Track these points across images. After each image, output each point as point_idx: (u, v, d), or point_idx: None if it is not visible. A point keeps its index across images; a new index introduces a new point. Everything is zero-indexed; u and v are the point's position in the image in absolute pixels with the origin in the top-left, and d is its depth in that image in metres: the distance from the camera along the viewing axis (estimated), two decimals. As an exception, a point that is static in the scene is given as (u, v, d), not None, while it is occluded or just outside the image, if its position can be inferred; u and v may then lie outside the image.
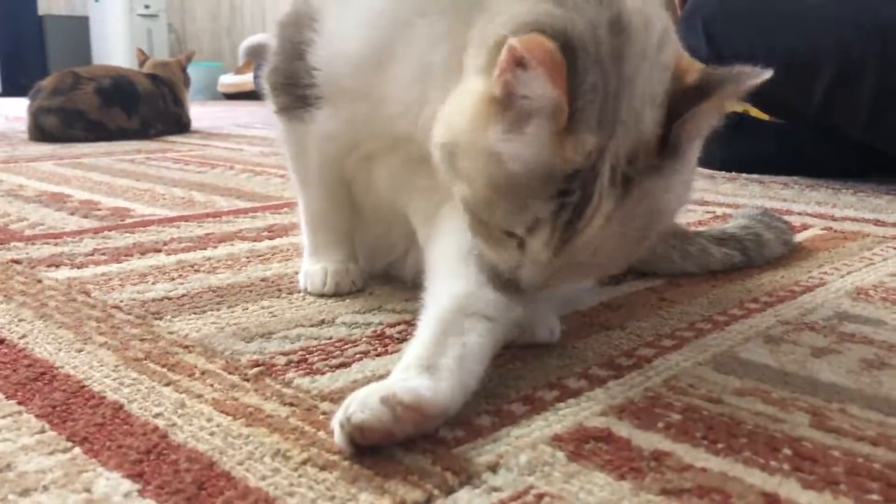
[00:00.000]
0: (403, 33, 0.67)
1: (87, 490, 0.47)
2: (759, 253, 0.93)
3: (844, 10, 1.49)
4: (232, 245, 1.08)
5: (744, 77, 0.54)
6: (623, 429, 0.54)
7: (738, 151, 1.77)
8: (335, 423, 0.50)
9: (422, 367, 0.54)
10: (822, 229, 1.16)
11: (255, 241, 1.11)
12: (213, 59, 5.88)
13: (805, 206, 1.36)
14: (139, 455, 0.51)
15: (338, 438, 0.50)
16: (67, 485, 0.47)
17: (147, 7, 5.61)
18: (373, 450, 0.50)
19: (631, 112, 0.53)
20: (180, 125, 2.84)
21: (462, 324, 0.58)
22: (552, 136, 0.53)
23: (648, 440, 0.52)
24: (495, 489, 0.46)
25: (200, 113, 3.31)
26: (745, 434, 0.53)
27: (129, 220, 1.25)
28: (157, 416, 0.56)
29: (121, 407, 0.57)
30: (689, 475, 0.48)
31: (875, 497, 0.45)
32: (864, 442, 0.52)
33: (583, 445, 0.51)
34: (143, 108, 2.65)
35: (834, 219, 1.24)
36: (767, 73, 0.54)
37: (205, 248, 1.06)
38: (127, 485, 0.47)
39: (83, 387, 0.61)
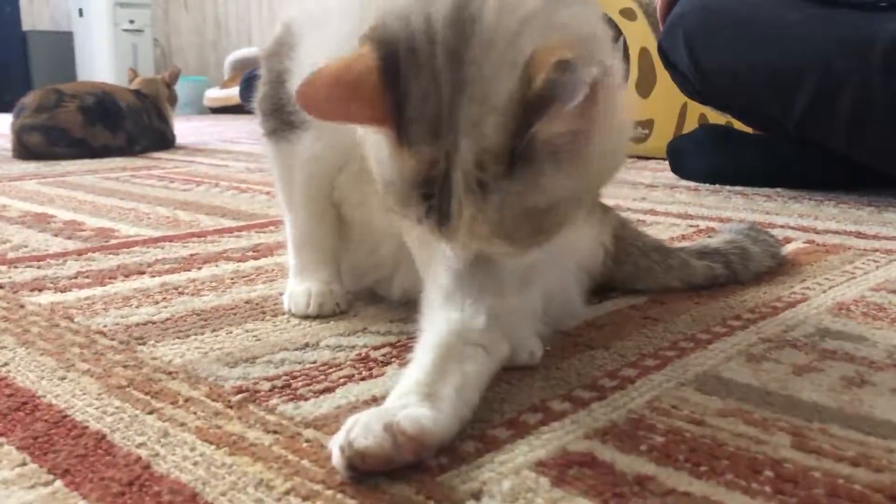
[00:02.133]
0: None
1: (69, 525, 0.46)
2: (744, 267, 0.94)
3: (826, 25, 1.50)
4: (216, 266, 1.08)
5: (568, 96, 0.49)
6: (607, 452, 0.54)
7: (721, 163, 1.79)
8: (334, 446, 0.51)
9: (423, 395, 0.54)
10: (804, 242, 1.17)
11: (239, 261, 1.10)
12: (198, 73, 5.87)
13: (788, 218, 1.37)
14: (122, 487, 0.50)
15: (336, 462, 0.50)
16: (49, 520, 0.47)
17: (132, 22, 5.61)
18: (363, 477, 0.50)
19: (468, 120, 0.52)
20: (165, 141, 2.84)
21: (462, 351, 0.59)
22: (394, 149, 0.55)
23: (631, 464, 0.52)
24: (479, 517, 0.47)
25: (186, 128, 3.30)
26: (727, 456, 0.53)
27: (113, 241, 1.25)
28: (140, 445, 0.56)
29: (103, 437, 0.57)
30: (671, 500, 0.48)
31: (855, 519, 0.46)
32: (844, 463, 0.52)
33: (566, 471, 0.52)
34: (128, 124, 2.65)
35: (816, 231, 1.25)
36: (579, 96, 0.48)
37: (189, 270, 1.05)
38: (109, 519, 0.47)
39: (66, 416, 0.60)
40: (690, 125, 2.16)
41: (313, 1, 0.76)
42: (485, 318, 0.62)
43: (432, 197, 0.55)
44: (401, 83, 0.53)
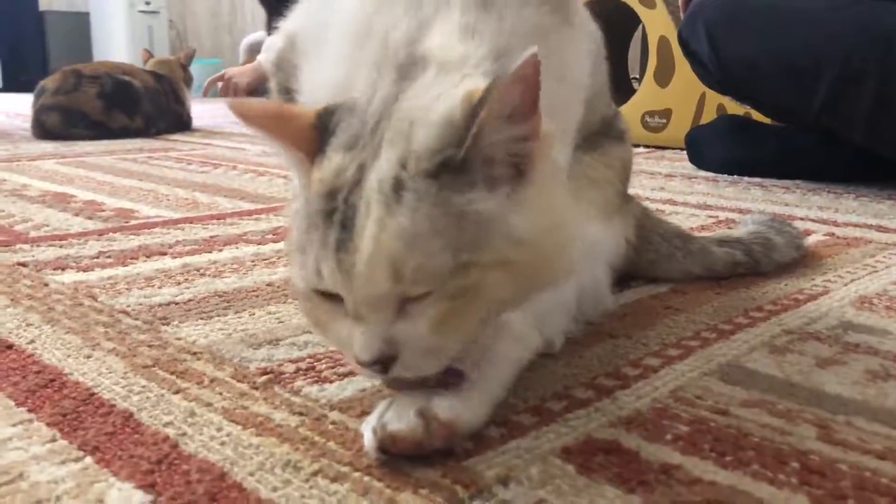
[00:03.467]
0: None
1: (100, 501, 0.47)
2: (767, 256, 0.93)
3: (847, 16, 1.49)
4: (237, 248, 1.08)
5: (487, 98, 0.47)
6: (631, 441, 0.54)
7: (740, 154, 1.78)
8: (366, 428, 0.51)
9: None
10: (824, 235, 1.16)
11: (259, 244, 1.11)
12: (213, 55, 5.87)
13: (807, 210, 1.36)
14: (151, 465, 0.51)
15: (368, 443, 0.51)
16: (80, 495, 0.47)
17: (148, 3, 5.61)
18: (392, 460, 0.50)
19: (395, 132, 0.50)
20: (181, 123, 2.84)
21: (494, 340, 0.59)
22: (305, 171, 0.52)
23: (657, 453, 0.52)
24: (505, 502, 0.47)
25: (201, 111, 3.31)
26: (753, 447, 0.53)
27: (133, 222, 1.25)
28: (167, 424, 0.56)
29: (131, 415, 0.58)
30: (698, 489, 0.48)
31: (883, 512, 0.46)
32: (870, 456, 0.52)
33: (592, 458, 0.52)
34: (145, 106, 2.65)
35: (836, 224, 1.24)
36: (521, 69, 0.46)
37: (210, 252, 1.06)
38: (139, 495, 0.47)
39: (93, 394, 0.61)
40: (709, 115, 2.14)
41: (313, 18, 0.74)
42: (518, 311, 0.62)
43: (335, 211, 0.49)
44: (332, 122, 0.52)
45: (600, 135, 0.83)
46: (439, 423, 0.50)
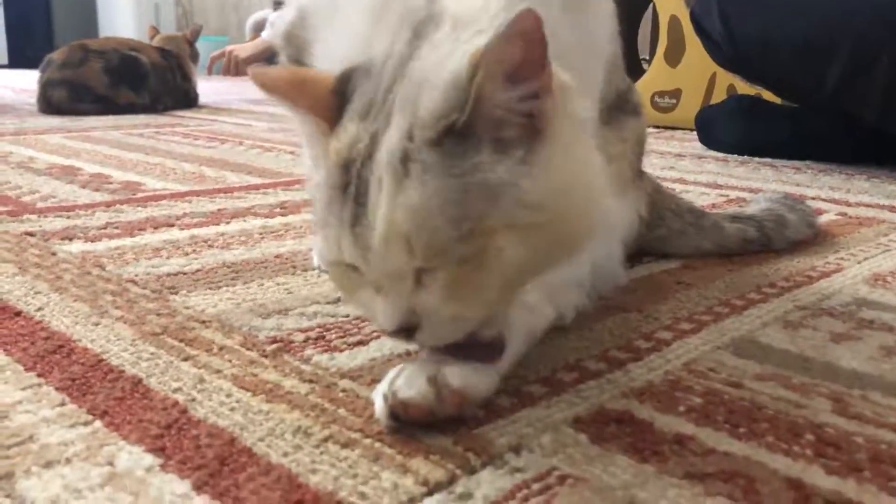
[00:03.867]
0: None
1: (110, 463, 0.47)
2: (779, 233, 0.93)
3: (862, -6, 1.47)
4: (245, 221, 1.07)
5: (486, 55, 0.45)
6: (644, 411, 0.53)
7: (750, 134, 1.76)
8: (377, 395, 0.51)
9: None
10: (836, 215, 1.15)
11: (267, 217, 1.10)
12: (219, 33, 5.84)
13: (819, 190, 1.35)
14: (160, 430, 0.50)
15: (379, 410, 0.50)
16: (90, 458, 0.47)
17: (154, -20, 5.58)
18: (402, 427, 0.50)
19: (404, 98, 0.49)
20: (188, 100, 2.83)
21: (507, 310, 0.58)
22: (323, 142, 0.51)
23: (670, 423, 0.52)
24: (518, 470, 0.46)
25: (207, 88, 3.29)
26: (767, 419, 0.53)
27: (140, 195, 1.25)
28: (176, 390, 0.56)
29: (140, 381, 0.57)
30: (712, 459, 0.48)
31: (899, 484, 0.45)
32: (886, 429, 0.52)
33: (604, 428, 0.51)
34: (152, 82, 2.64)
35: (848, 204, 1.23)
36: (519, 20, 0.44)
37: (218, 224, 1.05)
38: (149, 459, 0.47)
39: (101, 360, 0.61)
40: (719, 96, 2.13)
41: None
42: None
43: (349, 185, 0.49)
44: (349, 87, 0.52)
45: (615, 108, 0.82)
46: (450, 391, 0.50)
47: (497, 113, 0.48)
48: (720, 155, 1.76)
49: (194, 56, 2.93)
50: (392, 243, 0.47)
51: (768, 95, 1.86)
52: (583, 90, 0.54)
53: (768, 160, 1.68)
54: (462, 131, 0.47)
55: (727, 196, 1.29)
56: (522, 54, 0.46)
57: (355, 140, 0.49)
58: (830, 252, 0.94)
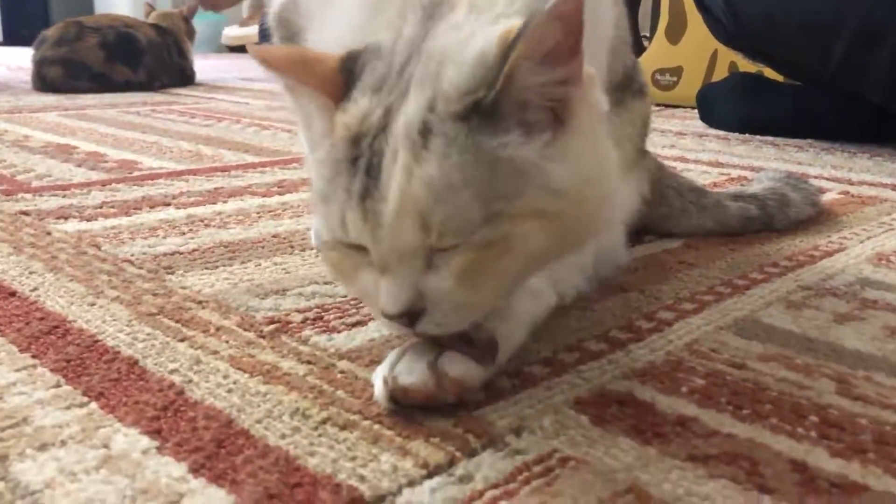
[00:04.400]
0: None
1: (106, 446, 0.46)
2: (782, 212, 0.92)
3: (868, -30, 1.45)
4: (242, 200, 1.06)
5: (526, 31, 0.44)
6: (646, 393, 0.53)
7: (752, 112, 1.74)
8: (377, 378, 0.50)
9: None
10: (839, 193, 1.14)
11: (265, 196, 1.09)
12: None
13: (821, 169, 1.34)
14: (156, 411, 0.50)
15: (378, 392, 0.50)
16: (85, 440, 0.46)
17: (150, -44, 5.51)
18: (401, 409, 0.49)
19: (423, 73, 0.47)
20: (184, 77, 2.81)
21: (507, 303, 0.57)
22: (329, 117, 0.49)
23: (672, 405, 0.51)
24: (518, 452, 0.46)
25: (204, 66, 3.26)
26: (771, 400, 0.52)
27: (136, 173, 1.24)
28: (172, 372, 0.55)
29: (136, 362, 0.57)
30: (715, 441, 0.47)
31: (904, 466, 0.45)
32: (891, 410, 0.51)
33: (606, 409, 0.51)
34: (148, 60, 2.62)
35: (851, 183, 1.22)
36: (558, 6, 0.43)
37: (214, 203, 1.04)
38: (145, 441, 0.46)
39: (97, 341, 0.60)
40: (720, 73, 2.11)
41: None
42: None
43: (359, 157, 0.47)
44: (357, 66, 0.50)
45: (622, 89, 0.81)
46: (450, 379, 0.49)
47: (526, 95, 0.46)
48: (721, 133, 1.75)
49: (190, 33, 2.90)
50: (405, 218, 0.45)
51: (770, 73, 1.84)
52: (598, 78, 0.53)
53: (770, 138, 1.67)
54: (489, 109, 0.45)
55: (728, 174, 1.28)
56: (560, 38, 0.45)
57: (367, 113, 0.47)
58: (833, 231, 0.93)
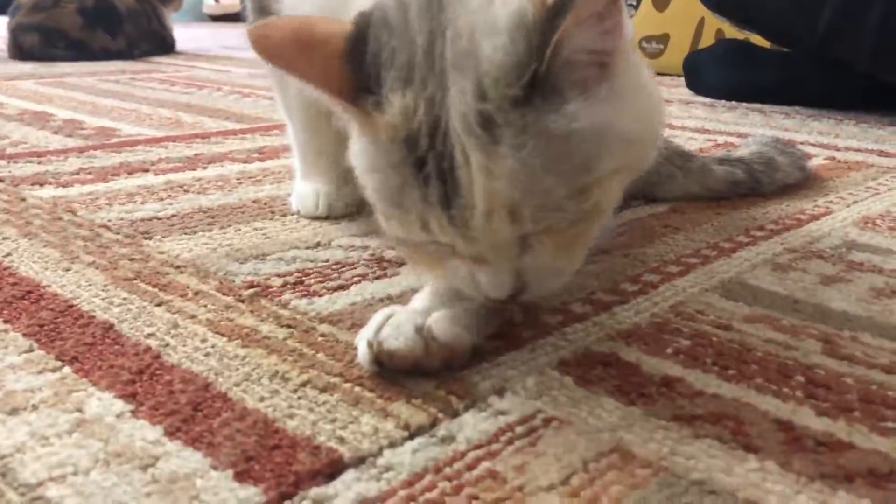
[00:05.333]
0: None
1: (79, 410, 0.45)
2: (769, 176, 0.91)
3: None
4: (222, 166, 1.05)
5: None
6: (631, 354, 0.52)
7: (739, 79, 1.73)
8: (361, 341, 0.49)
9: (455, 299, 0.52)
10: (825, 159, 1.13)
11: (245, 162, 1.07)
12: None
13: (807, 135, 1.33)
14: (131, 375, 0.49)
15: (362, 356, 0.49)
16: (58, 404, 0.45)
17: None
18: (384, 372, 0.48)
19: (457, 52, 0.44)
20: (165, 45, 2.76)
21: None
22: (364, 123, 0.47)
23: (657, 366, 0.51)
24: (502, 413, 0.45)
25: (185, 35, 3.20)
26: (756, 361, 0.51)
27: (114, 140, 1.21)
28: (149, 336, 0.54)
29: (111, 327, 0.55)
30: (700, 401, 0.46)
31: (891, 424, 0.44)
32: (877, 370, 0.51)
33: (590, 370, 0.50)
34: (127, 27, 2.57)
35: (837, 149, 1.22)
36: None
37: (194, 169, 1.02)
38: (119, 405, 0.45)
39: (71, 306, 0.59)
40: (707, 41, 2.09)
41: None
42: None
43: (425, 164, 0.44)
44: (368, 48, 0.46)
45: None
46: (439, 344, 0.48)
47: (576, 55, 0.44)
48: (708, 100, 1.74)
49: (170, 1, 2.85)
50: (496, 217, 0.44)
51: (757, 40, 1.82)
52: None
53: (757, 105, 1.66)
54: (544, 81, 0.43)
55: (715, 140, 1.27)
56: None
57: (408, 110, 0.45)
58: (819, 195, 0.93)
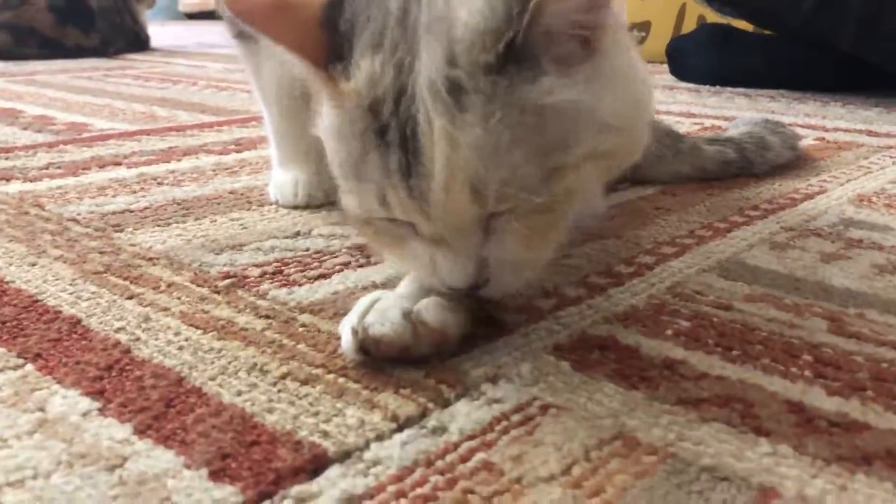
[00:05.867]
0: None
1: (41, 409, 0.42)
2: (760, 156, 0.88)
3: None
4: (197, 158, 1.01)
5: None
6: (630, 337, 0.50)
7: (723, 63, 1.72)
8: (344, 328, 0.46)
9: None
10: (815, 140, 1.12)
11: (221, 154, 1.04)
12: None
13: (794, 118, 1.31)
14: (99, 371, 0.46)
15: (347, 344, 0.46)
16: (18, 403, 0.42)
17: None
18: (370, 361, 0.45)
19: (431, 16, 0.42)
20: (139, 42, 2.71)
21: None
22: (331, 90, 0.44)
23: (658, 348, 0.48)
24: (496, 401, 0.42)
25: (161, 32, 3.16)
26: (761, 341, 0.49)
27: (86, 135, 1.17)
28: (118, 330, 0.51)
29: (78, 321, 0.52)
30: (705, 384, 0.44)
31: (906, 403, 0.42)
32: (886, 347, 0.48)
33: (588, 355, 0.47)
34: (101, 24, 2.52)
35: (826, 129, 1.20)
36: None
37: (168, 162, 0.99)
38: (86, 403, 0.42)
39: (36, 301, 0.55)
40: (689, 27, 2.07)
41: None
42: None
43: (388, 131, 0.42)
44: (343, 15, 0.44)
45: None
46: (428, 328, 0.45)
47: (556, 24, 0.41)
48: (692, 86, 1.72)
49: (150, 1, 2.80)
50: (456, 191, 0.41)
51: (740, 24, 1.80)
52: None
53: (741, 89, 1.64)
54: (520, 51, 0.40)
55: (702, 124, 1.25)
56: None
57: (375, 76, 0.42)
58: (812, 175, 0.91)
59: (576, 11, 0.41)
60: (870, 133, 1.16)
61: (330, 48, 0.44)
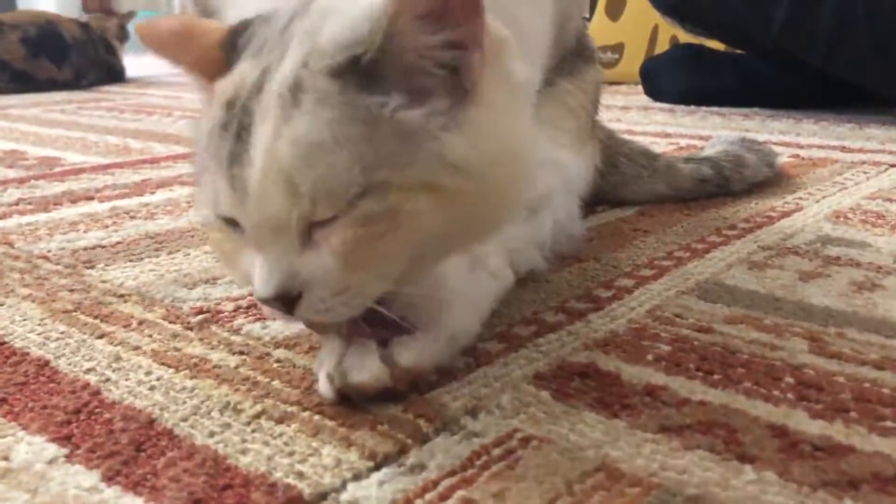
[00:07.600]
0: None
1: (5, 458, 0.40)
2: (738, 174, 0.89)
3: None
4: (171, 191, 1.00)
5: None
6: (610, 363, 0.49)
7: (696, 83, 1.73)
8: (321, 374, 0.45)
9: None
10: (789, 157, 1.12)
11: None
12: (148, 8, 5.62)
13: (769, 135, 1.32)
14: (67, 416, 0.44)
15: (324, 390, 0.44)
16: (-19, 453, 0.41)
17: (75, -46, 5.32)
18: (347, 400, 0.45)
19: (303, 29, 0.43)
20: (114, 74, 2.70)
21: (465, 274, 0.53)
22: (207, 94, 0.45)
23: (638, 374, 0.47)
24: (476, 434, 0.41)
25: (137, 64, 3.15)
26: (742, 364, 0.48)
27: (58, 169, 1.16)
28: (88, 371, 0.50)
29: (46, 363, 0.51)
30: (687, 410, 0.43)
31: (890, 424, 0.42)
32: (868, 366, 0.48)
33: (568, 383, 0.47)
34: (74, 56, 2.51)
35: (800, 146, 1.21)
36: None
37: (141, 195, 0.98)
38: (52, 449, 0.41)
39: (3, 343, 0.54)
40: (662, 48, 2.09)
41: None
42: (493, 245, 0.56)
43: (230, 124, 0.41)
44: (244, 37, 0.45)
45: (574, 55, 0.77)
46: (401, 370, 0.44)
47: (412, 57, 0.41)
48: (667, 105, 1.73)
49: (122, 36, 2.79)
50: (271, 182, 0.39)
51: (712, 44, 1.82)
52: (524, 51, 0.48)
53: (715, 108, 1.65)
54: (369, 68, 0.40)
55: (677, 144, 1.26)
56: None
57: (243, 76, 0.43)
58: (788, 193, 0.91)
59: (433, 47, 0.41)
60: (843, 149, 1.17)
61: (228, 66, 0.44)
